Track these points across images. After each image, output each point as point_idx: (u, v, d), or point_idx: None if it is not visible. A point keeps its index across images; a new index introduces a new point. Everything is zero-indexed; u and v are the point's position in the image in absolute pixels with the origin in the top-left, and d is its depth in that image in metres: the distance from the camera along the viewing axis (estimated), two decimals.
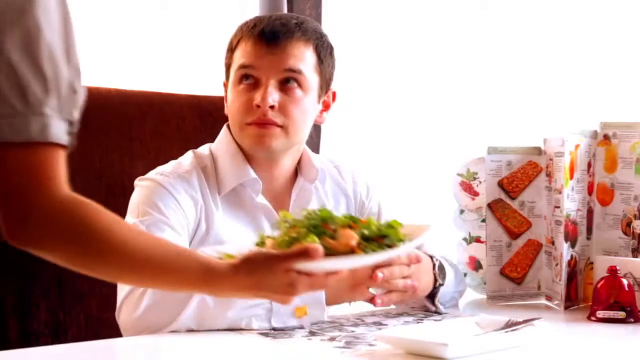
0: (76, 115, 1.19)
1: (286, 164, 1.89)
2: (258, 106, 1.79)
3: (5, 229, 1.18)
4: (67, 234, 1.21)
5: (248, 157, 1.86)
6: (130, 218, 1.77)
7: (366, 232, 1.40)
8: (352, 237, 1.38)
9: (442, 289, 1.87)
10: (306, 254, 1.32)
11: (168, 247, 1.34)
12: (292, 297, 1.36)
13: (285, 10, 2.61)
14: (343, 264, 1.36)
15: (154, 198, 1.77)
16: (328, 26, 2.69)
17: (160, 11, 2.65)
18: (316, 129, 2.64)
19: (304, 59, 1.82)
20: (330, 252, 1.35)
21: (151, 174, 1.83)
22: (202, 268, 1.32)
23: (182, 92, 2.20)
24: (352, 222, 1.41)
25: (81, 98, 1.20)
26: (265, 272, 1.33)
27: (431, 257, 1.86)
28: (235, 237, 1.82)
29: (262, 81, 1.80)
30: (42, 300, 2.02)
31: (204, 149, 1.90)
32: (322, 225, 1.40)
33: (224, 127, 1.90)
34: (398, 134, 3.02)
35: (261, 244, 1.44)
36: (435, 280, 1.85)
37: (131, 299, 1.67)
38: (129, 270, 1.29)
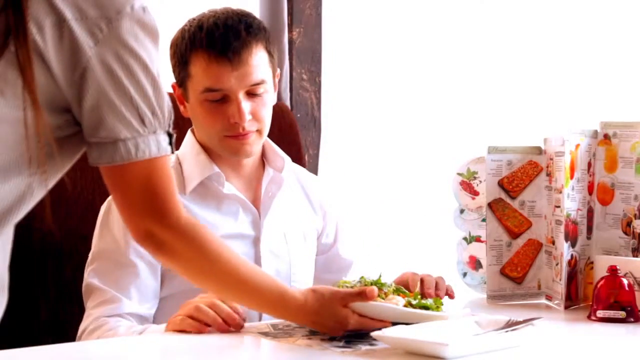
0: (171, 126, 1.39)
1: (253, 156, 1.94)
2: (236, 122, 1.84)
3: (137, 236, 1.42)
4: (188, 250, 1.46)
5: (213, 155, 1.91)
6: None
7: (413, 301, 1.65)
8: (400, 300, 1.63)
9: None
10: (362, 294, 1.58)
11: (254, 271, 1.57)
12: (342, 330, 1.58)
13: (285, 10, 2.60)
14: (389, 311, 1.59)
15: (101, 214, 1.87)
16: (328, 26, 2.69)
17: (160, 12, 2.64)
18: (316, 128, 2.64)
19: (263, 64, 1.86)
20: None
21: None
22: (278, 293, 1.57)
23: None
24: (400, 293, 1.67)
25: (171, 111, 1.38)
26: (327, 303, 1.58)
27: None
28: (212, 229, 1.87)
29: (230, 97, 1.83)
30: (42, 300, 2.02)
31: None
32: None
33: (189, 132, 1.95)
34: (398, 133, 3.01)
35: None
36: None
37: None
38: (226, 286, 1.55)
